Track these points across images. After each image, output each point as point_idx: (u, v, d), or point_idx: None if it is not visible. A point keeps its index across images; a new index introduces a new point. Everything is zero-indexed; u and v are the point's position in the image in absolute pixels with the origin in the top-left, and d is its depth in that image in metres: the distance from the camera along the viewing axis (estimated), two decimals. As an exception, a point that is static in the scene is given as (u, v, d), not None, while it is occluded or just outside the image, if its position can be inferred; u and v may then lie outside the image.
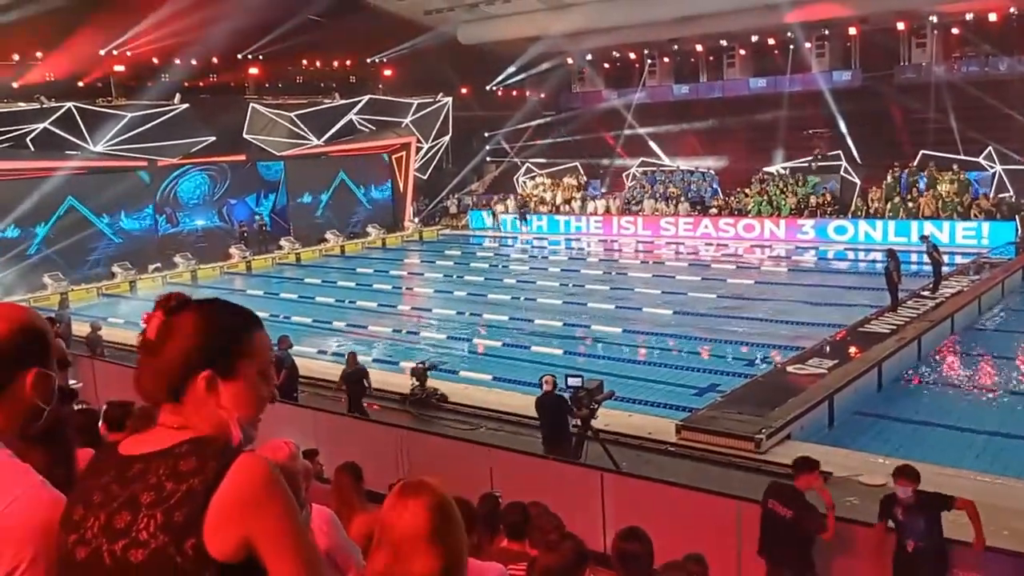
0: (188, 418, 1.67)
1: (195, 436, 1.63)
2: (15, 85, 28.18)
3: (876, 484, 9.74)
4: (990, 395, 14.43)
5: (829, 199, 31.70)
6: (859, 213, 30.59)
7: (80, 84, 29.48)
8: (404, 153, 37.62)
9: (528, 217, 36.24)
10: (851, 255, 28.46)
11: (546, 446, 10.67)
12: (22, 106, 26.81)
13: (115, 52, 30.10)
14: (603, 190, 38.22)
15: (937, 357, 16.51)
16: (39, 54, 28.80)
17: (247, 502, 1.56)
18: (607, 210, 35.50)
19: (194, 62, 31.80)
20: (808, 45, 36.07)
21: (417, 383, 14.08)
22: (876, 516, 7.20)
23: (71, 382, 13.80)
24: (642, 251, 31.57)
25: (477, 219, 38.59)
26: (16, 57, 28.76)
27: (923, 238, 20.07)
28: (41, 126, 26.58)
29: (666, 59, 40.30)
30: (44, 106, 26.89)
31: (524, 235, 35.76)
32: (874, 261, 24.72)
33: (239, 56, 33.78)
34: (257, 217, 33.12)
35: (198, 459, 1.58)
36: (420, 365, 14.40)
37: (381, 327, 20.79)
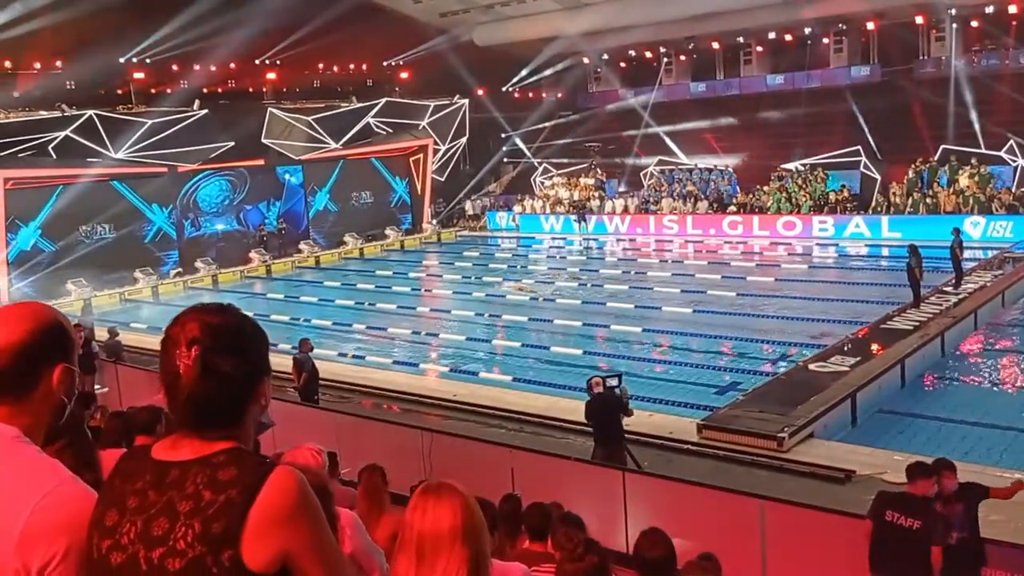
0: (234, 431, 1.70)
1: (233, 446, 1.64)
2: (37, 94, 28.47)
3: (901, 482, 9.65)
4: (1016, 391, 14.28)
5: (848, 195, 31.46)
6: (879, 209, 30.34)
7: (101, 92, 29.75)
8: (421, 155, 37.74)
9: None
10: (872, 251, 28.19)
11: (600, 448, 10.50)
12: (44, 114, 27.09)
13: (135, 60, 30.36)
14: (620, 189, 38.13)
15: (961, 353, 16.35)
16: (60, 63, 29.08)
17: (285, 515, 1.58)
18: (625, 209, 35.40)
19: (212, 68, 32.02)
20: (826, 41, 35.86)
21: None
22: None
23: (96, 387, 13.96)
24: (663, 250, 31.45)
25: (492, 220, 38.68)
26: (38, 66, 29.07)
27: (955, 231, 19.83)
28: (63, 134, 26.85)
29: (682, 57, 40.16)
30: (65, 114, 27.18)
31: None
32: (895, 257, 24.50)
33: (257, 61, 33.98)
34: (278, 221, 33.28)
35: (238, 469, 1.59)
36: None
37: (400, 329, 20.84)
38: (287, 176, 33.97)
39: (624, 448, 10.48)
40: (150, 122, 28.80)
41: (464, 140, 39.56)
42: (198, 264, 29.80)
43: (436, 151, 38.11)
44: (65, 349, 1.84)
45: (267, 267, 31.10)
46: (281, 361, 14.02)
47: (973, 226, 27.06)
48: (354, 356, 18.49)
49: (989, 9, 31.76)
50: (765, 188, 33.14)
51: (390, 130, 36.30)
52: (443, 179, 39.39)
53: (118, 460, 1.75)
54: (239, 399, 1.68)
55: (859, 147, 32.59)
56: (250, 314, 1.81)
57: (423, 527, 2.05)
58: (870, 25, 34.49)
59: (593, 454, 10.62)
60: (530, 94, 42.95)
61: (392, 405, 14.31)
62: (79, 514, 1.67)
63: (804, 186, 32.18)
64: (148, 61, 30.75)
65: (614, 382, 10.80)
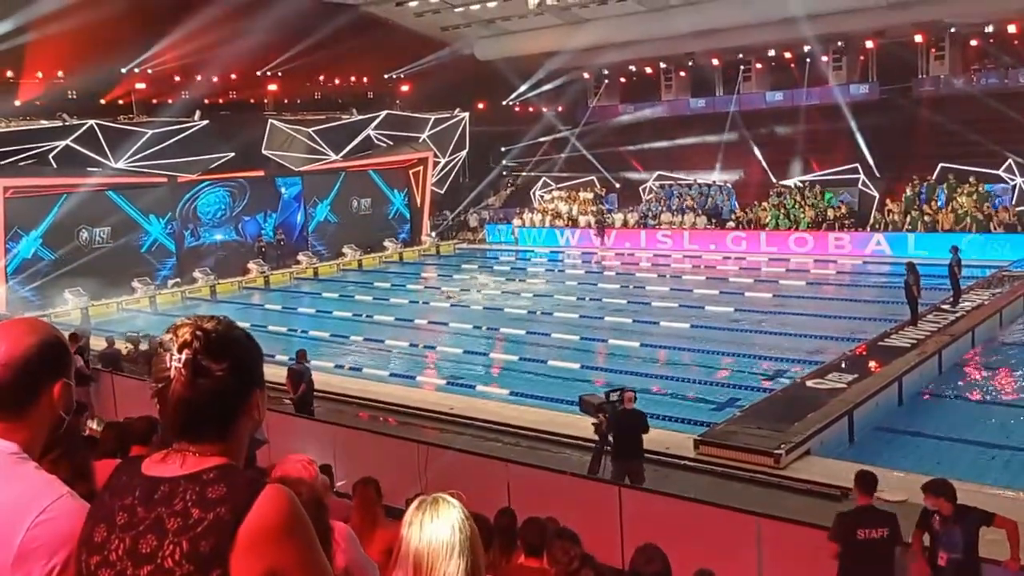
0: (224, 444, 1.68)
1: (223, 463, 1.62)
2: (38, 103, 28.53)
3: (897, 500, 9.64)
4: (1013, 409, 14.26)
5: (846, 212, 31.52)
6: (877, 226, 30.40)
7: (102, 102, 29.81)
8: (421, 168, 37.83)
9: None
10: (870, 268, 28.20)
11: (618, 463, 10.51)
12: (45, 124, 27.13)
13: (136, 70, 30.45)
14: (614, 207, 38.19)
15: (958, 371, 16.34)
16: (62, 72, 29.16)
17: (274, 535, 1.55)
18: (624, 224, 35.44)
19: (214, 79, 32.12)
20: (825, 58, 36.00)
21: None
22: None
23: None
24: (662, 264, 31.43)
25: (492, 233, 38.72)
26: (40, 75, 29.13)
27: (954, 249, 19.93)
28: (63, 143, 26.89)
29: (682, 73, 40.32)
30: (66, 123, 27.21)
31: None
32: (893, 274, 24.50)
33: (258, 73, 34.09)
34: (274, 232, 33.26)
35: (227, 487, 1.57)
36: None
37: (398, 341, 20.82)
38: (282, 189, 33.98)
39: (642, 465, 10.49)
40: (151, 132, 28.82)
41: (464, 153, 39.66)
42: (196, 274, 29.76)
43: (436, 164, 38.21)
44: (65, 365, 1.85)
45: (265, 278, 31.08)
46: (277, 372, 14.01)
47: (975, 244, 27.07)
48: (351, 368, 18.46)
49: (988, 28, 31.94)
50: (764, 204, 33.22)
51: (390, 142, 36.38)
52: (443, 192, 39.48)
53: (109, 475, 1.74)
54: (229, 407, 1.66)
55: (857, 164, 32.69)
56: (247, 325, 1.81)
57: (419, 541, 2.04)
58: (869, 44, 34.66)
59: (590, 468, 10.62)
60: (530, 108, 43.09)
61: (388, 418, 14.27)
62: (76, 529, 1.66)
63: (802, 202, 32.25)
64: (150, 72, 30.84)
65: (616, 396, 10.85)
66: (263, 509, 1.56)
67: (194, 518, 1.55)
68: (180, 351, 1.63)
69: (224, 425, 1.66)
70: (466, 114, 38.79)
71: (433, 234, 38.14)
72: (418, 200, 38.17)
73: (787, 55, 36.41)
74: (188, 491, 1.58)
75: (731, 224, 33.20)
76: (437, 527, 2.04)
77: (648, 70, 40.37)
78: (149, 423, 5.38)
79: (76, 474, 2.36)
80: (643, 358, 18.36)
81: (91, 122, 27.59)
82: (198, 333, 1.65)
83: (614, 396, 10.88)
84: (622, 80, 42.15)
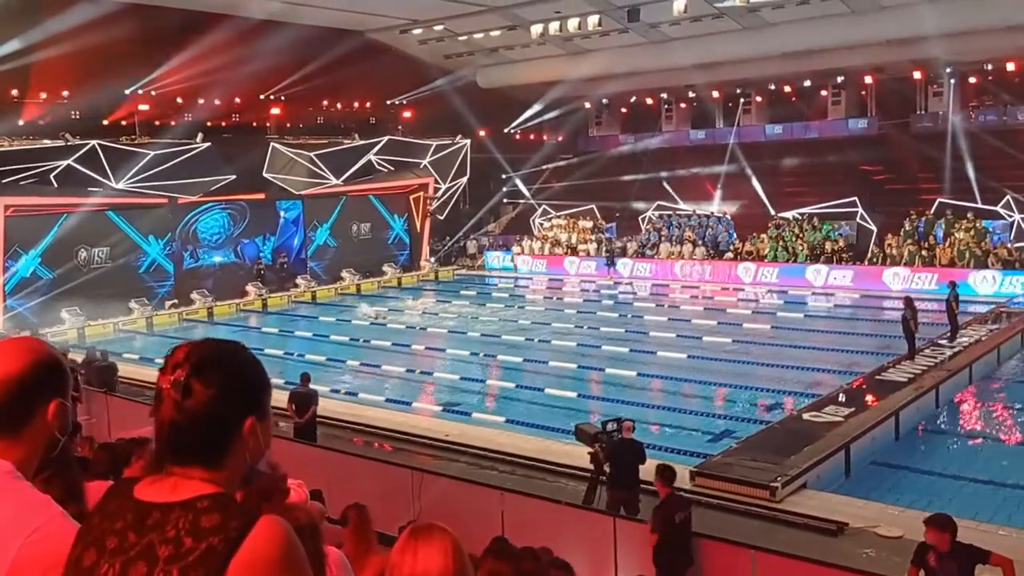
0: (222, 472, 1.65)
1: (217, 492, 1.59)
2: (41, 122, 28.63)
3: (893, 536, 9.60)
4: (1009, 446, 14.23)
5: (843, 245, 31.60)
6: (875, 260, 30.47)
7: (105, 122, 29.94)
8: (422, 193, 37.98)
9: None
10: (868, 302, 28.20)
11: (615, 492, 10.49)
12: (47, 143, 27.22)
13: (140, 91, 30.63)
14: (614, 235, 38.30)
15: (955, 407, 16.32)
16: (65, 92, 29.33)
17: (268, 567, 1.53)
18: (623, 252, 35.49)
19: (217, 102, 32.31)
20: (824, 93, 36.32)
21: None
22: (895, 569, 7.08)
23: (83, 417, 13.88)
24: (659, 294, 31.44)
25: (491, 260, 38.79)
26: (43, 95, 29.29)
27: (951, 284, 20.00)
28: (65, 163, 26.96)
29: (683, 105, 40.63)
30: (69, 143, 27.31)
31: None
32: (891, 308, 24.51)
33: (261, 97, 34.30)
34: (273, 255, 33.28)
35: (221, 516, 1.54)
36: None
37: (394, 366, 20.77)
38: (282, 212, 34.07)
39: (638, 495, 10.45)
40: (152, 153, 28.90)
41: (465, 180, 39.81)
42: (194, 296, 29.75)
43: (436, 190, 38.36)
44: (60, 385, 1.84)
45: (263, 301, 31.06)
46: (276, 396, 13.90)
47: (984, 281, 27.07)
48: (347, 392, 18.40)
49: (987, 66, 32.24)
50: (762, 236, 33.31)
51: (391, 168, 36.51)
52: (443, 218, 39.59)
53: (100, 498, 1.72)
54: (217, 432, 1.64)
55: (856, 198, 32.84)
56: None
57: (412, 569, 2.03)
58: (868, 79, 34.97)
59: (585, 498, 10.56)
60: (531, 136, 43.32)
61: (383, 444, 14.21)
62: (67, 551, 1.64)
63: (800, 235, 32.34)
64: (153, 93, 31.01)
65: (613, 426, 10.83)
66: (257, 541, 1.53)
67: (186, 547, 1.52)
68: (172, 371, 1.63)
69: (213, 451, 1.63)
70: (467, 141, 39.02)
71: (432, 260, 38.21)
72: (418, 226, 38.29)
73: (787, 89, 36.74)
74: (181, 519, 1.55)
75: (729, 256, 33.28)
76: (429, 555, 2.03)
77: (649, 101, 40.69)
78: (141, 444, 5.37)
79: (68, 494, 2.34)
80: (640, 388, 18.31)
81: (93, 142, 27.69)
82: (191, 355, 1.64)
83: (611, 426, 10.86)
84: (623, 110, 42.47)
